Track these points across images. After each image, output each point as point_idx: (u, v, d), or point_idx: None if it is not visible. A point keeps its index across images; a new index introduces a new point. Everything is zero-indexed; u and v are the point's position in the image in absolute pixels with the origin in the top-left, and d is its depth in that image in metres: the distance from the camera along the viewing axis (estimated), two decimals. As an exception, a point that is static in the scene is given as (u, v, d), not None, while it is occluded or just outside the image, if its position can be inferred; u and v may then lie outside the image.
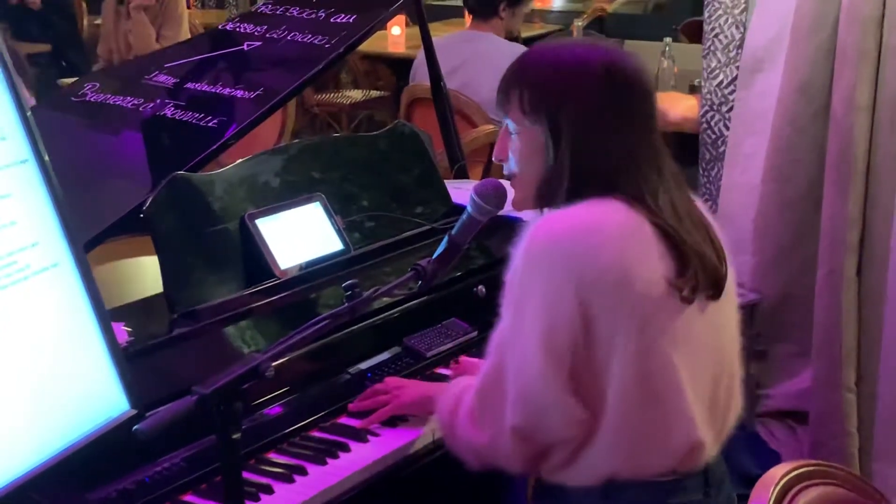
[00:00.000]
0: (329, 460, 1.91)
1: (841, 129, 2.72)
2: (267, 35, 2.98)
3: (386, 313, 2.26)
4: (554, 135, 1.70)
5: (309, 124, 6.73)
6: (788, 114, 2.90)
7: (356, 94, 6.85)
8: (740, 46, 3.03)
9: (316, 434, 2.00)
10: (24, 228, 1.50)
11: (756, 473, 1.72)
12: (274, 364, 1.57)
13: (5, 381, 1.43)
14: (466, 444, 1.80)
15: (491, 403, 1.73)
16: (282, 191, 2.37)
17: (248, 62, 2.93)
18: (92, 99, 3.00)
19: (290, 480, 1.85)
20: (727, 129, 3.10)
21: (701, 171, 3.23)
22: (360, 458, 1.93)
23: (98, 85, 3.06)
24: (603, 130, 1.68)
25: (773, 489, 1.65)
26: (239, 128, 2.60)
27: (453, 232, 1.89)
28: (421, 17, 3.12)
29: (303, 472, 1.88)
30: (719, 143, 3.15)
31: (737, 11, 3.04)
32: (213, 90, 2.81)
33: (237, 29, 3.08)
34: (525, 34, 6.29)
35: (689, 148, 3.27)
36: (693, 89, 3.97)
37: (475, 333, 2.33)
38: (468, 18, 4.88)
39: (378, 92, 6.86)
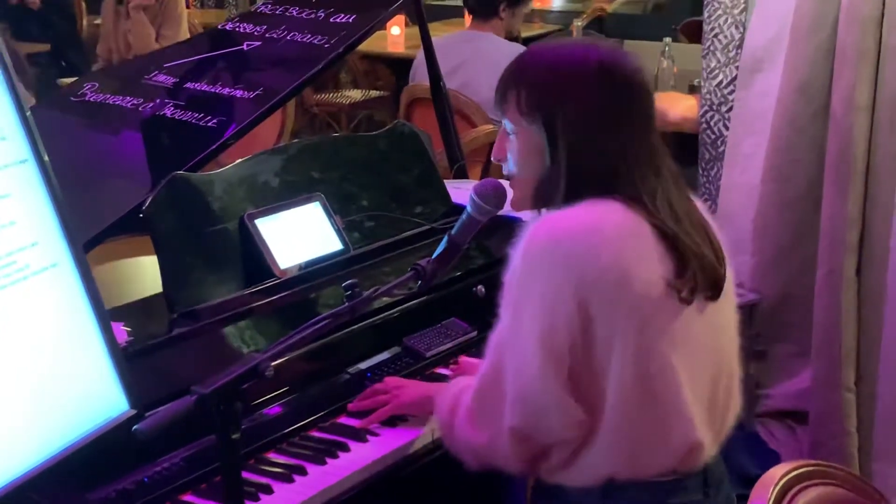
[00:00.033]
0: (328, 460, 1.91)
1: (840, 129, 2.72)
2: (266, 35, 2.98)
3: (385, 313, 2.26)
4: (551, 135, 1.70)
5: (308, 124, 6.73)
6: (788, 114, 2.90)
7: (356, 94, 6.84)
8: (740, 46, 3.03)
9: (315, 434, 2.00)
10: (24, 228, 1.50)
11: (755, 473, 1.72)
12: (273, 364, 1.57)
13: (5, 381, 1.44)
14: (465, 444, 1.80)
15: (490, 404, 1.73)
16: (281, 191, 2.37)
17: (248, 62, 2.93)
18: (91, 99, 2.99)
19: (290, 480, 1.85)
20: (727, 129, 3.09)
21: (700, 171, 3.23)
22: (359, 457, 1.93)
23: (97, 85, 3.05)
24: (600, 131, 1.68)
25: (773, 489, 1.65)
26: (238, 128, 2.60)
27: (453, 232, 1.89)
28: (420, 17, 3.12)
29: (302, 471, 1.88)
30: (719, 143, 3.15)
31: (736, 11, 3.04)
32: (213, 90, 2.80)
33: (237, 29, 3.08)
34: (525, 34, 6.28)
35: (688, 148, 3.27)
36: (692, 89, 3.96)
37: (475, 333, 2.33)
38: (468, 18, 4.87)
39: (377, 92, 6.85)
